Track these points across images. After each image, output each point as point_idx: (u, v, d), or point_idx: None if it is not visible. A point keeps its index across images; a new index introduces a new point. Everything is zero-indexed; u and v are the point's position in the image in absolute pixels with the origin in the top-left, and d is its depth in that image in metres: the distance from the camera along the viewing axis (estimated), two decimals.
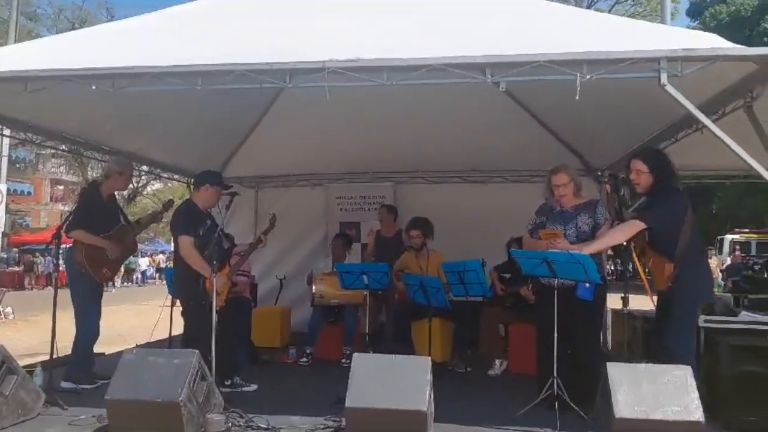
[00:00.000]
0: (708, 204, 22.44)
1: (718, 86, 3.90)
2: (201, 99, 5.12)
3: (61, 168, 36.79)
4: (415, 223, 6.12)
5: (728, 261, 17.79)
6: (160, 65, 3.57)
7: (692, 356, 3.98)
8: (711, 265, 5.63)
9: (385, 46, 3.64)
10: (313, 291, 6.03)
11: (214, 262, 4.22)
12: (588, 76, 3.32)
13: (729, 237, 19.93)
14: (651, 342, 4.19)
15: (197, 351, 3.59)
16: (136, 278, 29.68)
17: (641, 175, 3.99)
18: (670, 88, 3.27)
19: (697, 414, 3.15)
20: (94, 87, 3.70)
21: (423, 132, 6.76)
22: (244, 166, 7.81)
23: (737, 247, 18.51)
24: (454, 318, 5.71)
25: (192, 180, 7.74)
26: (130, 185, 29.52)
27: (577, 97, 3.28)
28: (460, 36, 3.71)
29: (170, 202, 5.69)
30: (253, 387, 4.79)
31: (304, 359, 5.94)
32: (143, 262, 30.73)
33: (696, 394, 3.22)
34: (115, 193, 5.28)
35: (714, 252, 20.87)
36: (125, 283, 28.40)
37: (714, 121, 4.02)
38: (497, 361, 5.53)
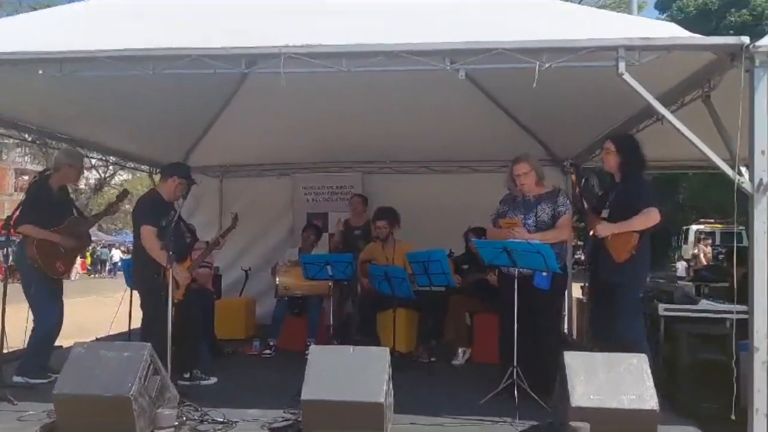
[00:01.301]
0: (674, 194, 22.84)
1: (678, 77, 3.92)
2: (163, 86, 5.02)
3: (26, 158, 35.90)
4: (381, 213, 6.07)
5: (696, 250, 18.14)
6: (109, 49, 3.45)
7: (644, 340, 4.10)
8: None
9: (344, 32, 3.56)
10: (277, 282, 5.95)
11: (171, 253, 4.10)
12: (547, 65, 3.30)
13: (694, 227, 20.33)
14: (599, 329, 4.24)
15: (149, 344, 3.50)
16: (109, 269, 29.22)
17: (609, 154, 4.18)
18: (627, 77, 3.27)
19: (651, 402, 3.17)
20: (41, 72, 3.55)
21: (392, 122, 6.70)
22: (208, 155, 7.65)
23: (702, 236, 18.88)
24: (419, 308, 5.69)
25: (157, 170, 7.61)
26: (96, 175, 29.07)
27: (534, 85, 3.26)
28: (421, 23, 3.65)
29: (125, 193, 5.54)
30: (213, 380, 4.70)
31: (268, 351, 5.86)
32: (116, 254, 30.24)
33: (651, 383, 3.24)
34: (68, 185, 5.11)
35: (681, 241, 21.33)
36: (93, 275, 27.95)
37: (674, 112, 4.06)
38: (460, 351, 5.53)
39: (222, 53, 3.42)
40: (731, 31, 17.21)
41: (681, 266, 16.72)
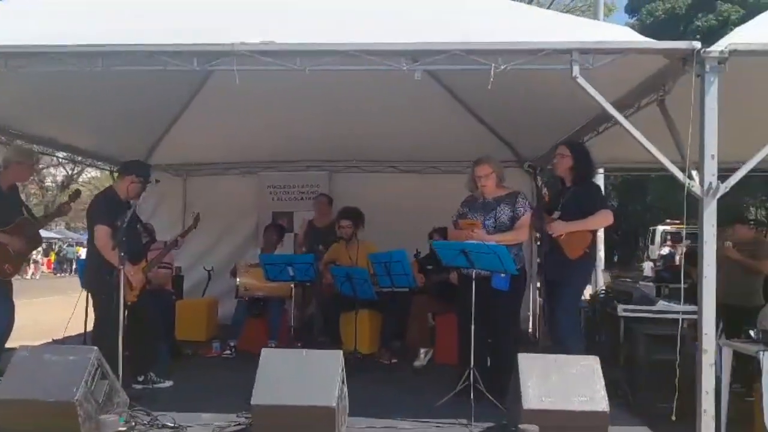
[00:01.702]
0: (642, 196, 23.23)
1: (634, 81, 3.96)
2: (124, 83, 4.90)
3: None
4: (345, 213, 6.04)
5: (664, 251, 18.44)
6: (57, 44, 3.34)
7: (580, 334, 4.37)
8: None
9: (299, 30, 3.51)
10: (237, 283, 5.87)
11: (123, 254, 4.00)
12: (502, 67, 3.30)
13: (661, 228, 20.68)
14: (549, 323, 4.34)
15: (96, 348, 3.41)
16: (75, 268, 28.60)
17: (564, 158, 4.32)
18: (581, 81, 3.28)
19: (602, 404, 3.19)
20: None
21: (359, 121, 6.66)
22: (171, 153, 7.52)
23: (669, 237, 19.20)
24: (381, 309, 5.67)
25: (116, 168, 7.44)
26: (64, 172, 28.48)
27: (490, 87, 3.26)
28: (378, 23, 3.62)
29: (77, 193, 5.39)
30: (168, 383, 4.61)
31: (228, 353, 5.77)
32: (83, 253, 29.62)
33: (602, 384, 3.26)
34: (18, 184, 4.97)
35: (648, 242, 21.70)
36: (59, 273, 27.37)
37: (631, 115, 4.11)
38: (422, 352, 5.51)
39: (173, 50, 3.34)
40: (698, 36, 17.57)
41: (648, 266, 16.99)
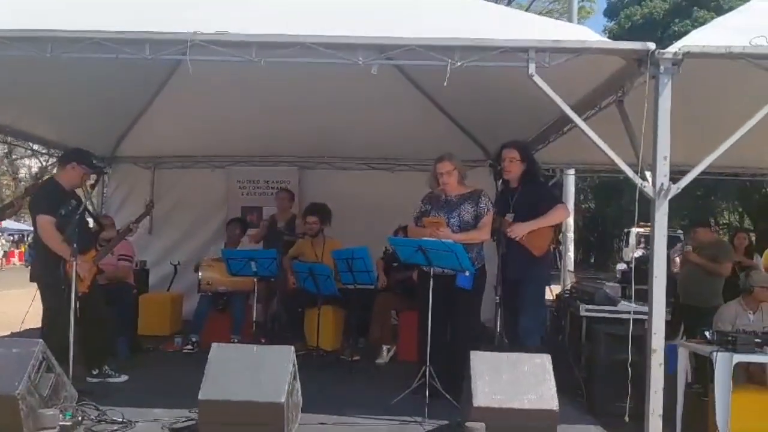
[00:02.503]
0: (619, 198, 23.43)
1: (594, 81, 3.98)
2: (89, 72, 4.80)
3: None
4: (313, 208, 6.00)
5: (638, 253, 18.61)
6: (3, 28, 3.25)
7: (539, 334, 4.37)
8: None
9: (257, 21, 3.47)
10: (200, 277, 5.80)
11: (74, 246, 3.92)
12: (459, 63, 3.28)
13: (635, 230, 20.87)
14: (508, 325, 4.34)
15: (41, 341, 3.33)
16: None
17: (514, 162, 4.31)
18: (537, 79, 3.28)
19: (552, 402, 3.19)
20: None
21: (330, 117, 6.62)
22: (139, 145, 7.41)
23: (642, 240, 19.40)
24: (345, 306, 5.64)
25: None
26: (39, 163, 27.96)
27: (445, 84, 3.24)
28: (337, 17, 3.58)
29: (34, 185, 5.28)
30: (123, 378, 4.53)
31: (189, 347, 5.70)
32: None
33: (553, 383, 3.26)
34: None
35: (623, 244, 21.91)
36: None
37: (591, 116, 4.13)
38: (385, 349, 5.50)
39: (124, 37, 3.27)
40: (674, 41, 17.74)
41: (620, 268, 17.17)
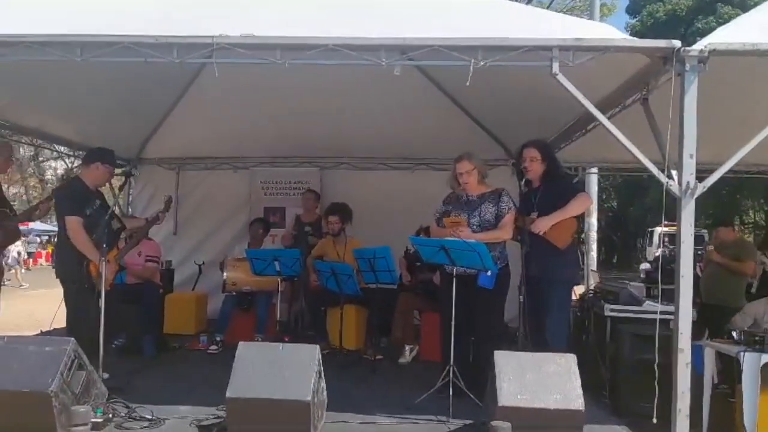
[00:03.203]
0: (643, 197, 23.17)
1: (618, 80, 3.95)
2: (115, 75, 4.89)
3: None
4: (334, 208, 6.03)
5: (658, 252, 18.39)
6: (34, 33, 3.34)
7: (566, 336, 4.31)
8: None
9: (282, 24, 3.50)
10: (224, 277, 5.87)
11: (104, 246, 4.01)
12: (482, 63, 3.28)
13: (659, 229, 20.63)
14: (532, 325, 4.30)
15: (73, 339, 3.40)
16: None
17: (534, 162, 4.29)
18: (561, 78, 3.27)
19: (577, 402, 3.18)
20: None
21: (350, 118, 6.65)
22: (164, 147, 7.53)
23: (666, 239, 19.15)
24: (367, 305, 5.66)
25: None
26: (65, 165, 28.45)
27: (468, 83, 3.23)
28: (361, 17, 3.60)
29: (60, 187, 5.38)
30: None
31: (214, 347, 5.77)
32: None
33: (578, 383, 3.25)
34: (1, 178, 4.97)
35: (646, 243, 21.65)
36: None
37: (615, 115, 4.10)
38: (407, 348, 5.51)
39: (152, 41, 3.33)
40: (698, 38, 17.49)
41: (644, 268, 16.94)
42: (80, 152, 7.52)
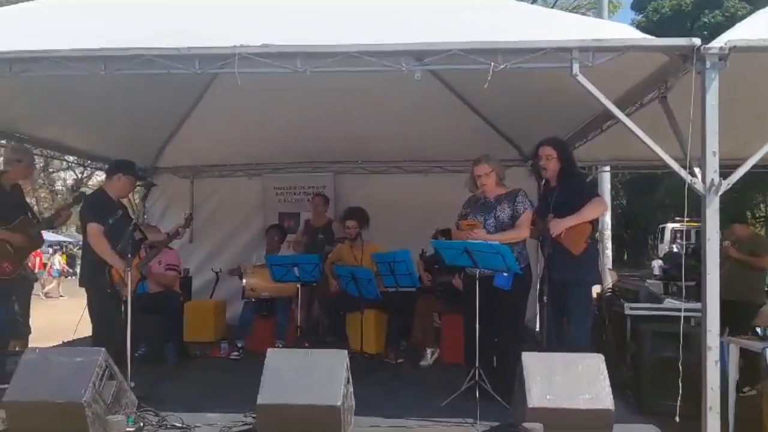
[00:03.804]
0: (652, 194, 23.08)
1: (635, 78, 3.96)
2: (129, 86, 4.96)
3: None
4: (351, 213, 6.05)
5: (674, 249, 18.33)
6: (60, 49, 3.39)
7: (589, 339, 4.29)
8: None
9: (301, 32, 3.54)
10: (244, 284, 5.91)
11: (129, 256, 4.06)
12: (502, 66, 3.30)
13: (670, 225, 20.57)
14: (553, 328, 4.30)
15: (103, 349, 3.45)
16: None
17: (551, 160, 4.28)
18: (581, 78, 3.28)
19: (606, 402, 3.18)
20: None
21: (363, 121, 6.68)
22: (178, 155, 7.59)
23: (678, 235, 19.09)
24: (387, 309, 5.68)
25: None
26: (74, 175, 28.67)
27: (486, 86, 3.25)
28: (378, 24, 3.64)
29: (81, 195, 5.46)
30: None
31: (235, 354, 5.81)
32: None
33: (607, 382, 3.26)
34: (20, 183, 5.03)
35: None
36: (69, 277, 27.53)
37: (632, 113, 4.10)
38: (429, 352, 5.52)
39: (175, 53, 3.37)
40: (705, 32, 17.44)
41: (656, 265, 16.86)
42: (90, 162, 7.61)
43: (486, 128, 6.96)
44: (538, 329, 7.06)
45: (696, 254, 4.42)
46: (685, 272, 7.57)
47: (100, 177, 28.34)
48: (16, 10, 3.93)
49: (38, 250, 12.12)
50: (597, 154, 6.82)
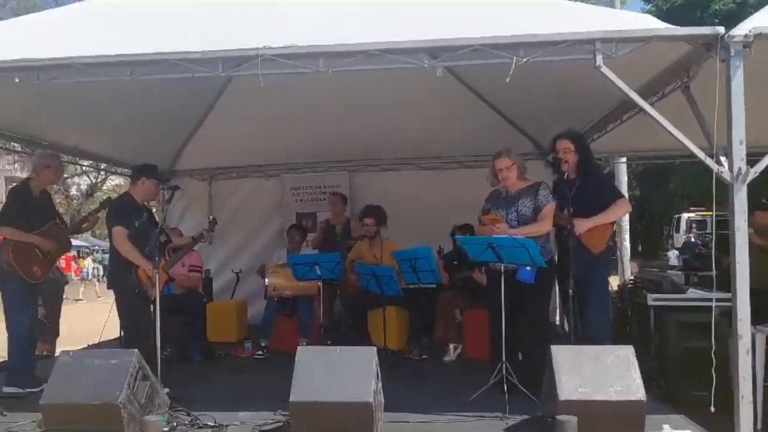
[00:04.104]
0: (665, 184, 22.90)
1: (656, 68, 3.94)
2: (148, 91, 5.01)
3: (16, 165, 35.62)
4: (369, 211, 6.07)
5: (684, 239, 18.18)
6: (87, 56, 3.43)
7: (610, 329, 4.38)
8: None
9: (321, 32, 3.55)
10: (266, 283, 5.95)
11: (156, 258, 4.11)
12: (524, 59, 3.30)
13: (685, 215, 20.39)
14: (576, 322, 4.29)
15: (136, 351, 3.50)
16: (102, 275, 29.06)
17: (569, 153, 4.29)
18: (605, 70, 3.27)
19: (638, 393, 3.19)
20: (17, 80, 3.53)
21: (376, 119, 6.69)
22: (195, 158, 7.65)
23: (694, 225, 18.93)
24: (409, 306, 5.70)
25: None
26: (88, 180, 28.96)
27: (508, 80, 3.26)
28: (398, 21, 3.64)
29: (108, 200, 5.51)
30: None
31: (260, 353, 5.86)
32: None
33: (638, 373, 3.25)
34: (49, 189, 5.09)
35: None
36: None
37: (654, 103, 4.08)
38: (452, 347, 5.54)
39: (200, 57, 3.41)
40: (717, 20, 17.27)
41: (673, 255, 16.74)
42: (107, 166, 7.68)
43: (501, 122, 6.93)
44: (558, 322, 7.08)
45: (717, 244, 4.38)
46: (706, 261, 7.53)
47: (114, 181, 28.67)
48: (41, 18, 3.98)
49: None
50: (614, 145, 6.79)
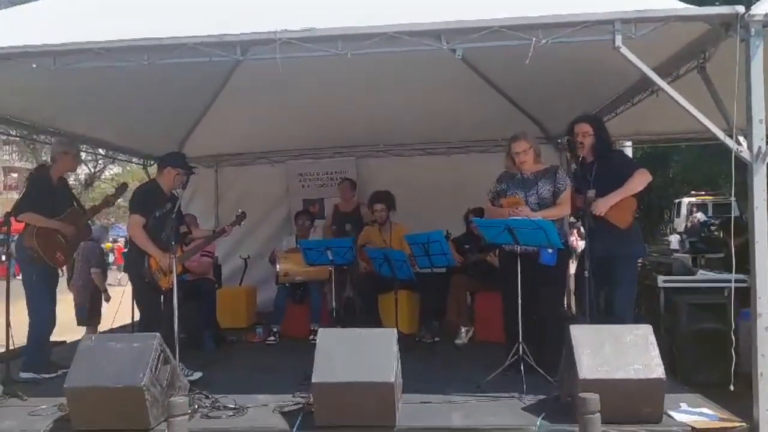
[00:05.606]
0: (665, 168, 22.90)
1: (672, 48, 3.93)
2: (152, 77, 4.96)
3: (14, 155, 35.49)
4: (378, 196, 6.09)
5: (688, 223, 18.24)
6: (103, 40, 3.41)
7: (632, 306, 4.40)
8: None
9: (338, 15, 3.54)
10: (277, 269, 5.96)
11: (173, 244, 4.12)
12: (543, 41, 3.30)
13: (686, 200, 20.44)
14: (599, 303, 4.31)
15: (158, 334, 3.52)
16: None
17: (587, 137, 4.31)
18: (624, 51, 3.27)
19: (658, 371, 3.21)
20: (34, 65, 3.51)
21: (384, 105, 6.66)
22: (201, 145, 7.60)
23: (695, 209, 18.99)
24: (420, 289, 5.72)
25: (151, 162, 7.60)
26: (87, 170, 28.85)
27: (527, 62, 3.25)
28: (417, 3, 3.63)
29: (124, 186, 5.51)
30: (198, 375, 4.51)
31: (272, 338, 5.89)
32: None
33: (657, 352, 3.28)
34: (66, 176, 5.09)
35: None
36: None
37: (669, 84, 4.08)
38: (463, 330, 5.57)
39: (217, 41, 3.39)
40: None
41: (674, 239, 16.81)
42: (107, 153, 7.62)
43: (509, 107, 6.91)
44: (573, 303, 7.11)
45: (723, 226, 4.42)
46: (713, 244, 7.53)
47: (112, 170, 28.58)
48: (57, 3, 3.95)
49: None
50: (619, 129, 6.79)
